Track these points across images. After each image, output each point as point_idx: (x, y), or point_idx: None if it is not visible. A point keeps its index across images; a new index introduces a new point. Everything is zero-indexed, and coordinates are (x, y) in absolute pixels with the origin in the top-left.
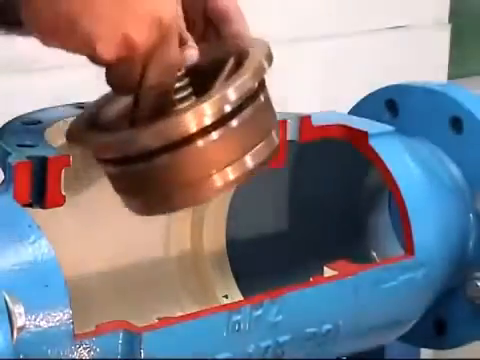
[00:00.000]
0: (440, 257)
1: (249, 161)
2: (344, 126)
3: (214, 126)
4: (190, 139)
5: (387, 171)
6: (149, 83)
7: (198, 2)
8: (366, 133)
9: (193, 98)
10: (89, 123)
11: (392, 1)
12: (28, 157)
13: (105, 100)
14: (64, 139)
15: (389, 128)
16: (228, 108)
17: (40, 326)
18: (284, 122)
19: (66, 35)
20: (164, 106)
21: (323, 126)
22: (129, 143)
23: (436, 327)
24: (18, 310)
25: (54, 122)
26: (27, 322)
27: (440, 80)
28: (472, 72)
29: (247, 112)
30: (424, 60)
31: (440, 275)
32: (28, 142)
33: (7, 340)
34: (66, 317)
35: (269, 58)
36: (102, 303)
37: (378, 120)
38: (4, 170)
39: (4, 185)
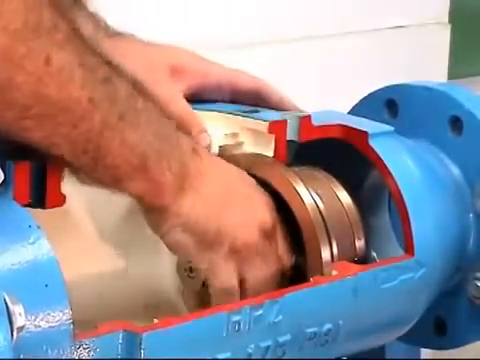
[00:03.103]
0: (440, 257)
1: None
2: (344, 126)
3: None
4: None
5: (387, 171)
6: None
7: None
8: (366, 133)
9: None
10: None
11: (392, 1)
12: None
13: None
14: None
15: (389, 128)
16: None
17: (40, 326)
18: (284, 122)
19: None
20: None
21: (323, 126)
22: None
23: (436, 327)
24: (18, 310)
25: None
26: (27, 322)
27: (440, 80)
28: (472, 72)
29: None
30: (424, 60)
31: (440, 275)
32: None
33: (7, 340)
34: (66, 317)
35: None
36: None
37: (378, 120)
38: (4, 170)
39: (4, 185)
